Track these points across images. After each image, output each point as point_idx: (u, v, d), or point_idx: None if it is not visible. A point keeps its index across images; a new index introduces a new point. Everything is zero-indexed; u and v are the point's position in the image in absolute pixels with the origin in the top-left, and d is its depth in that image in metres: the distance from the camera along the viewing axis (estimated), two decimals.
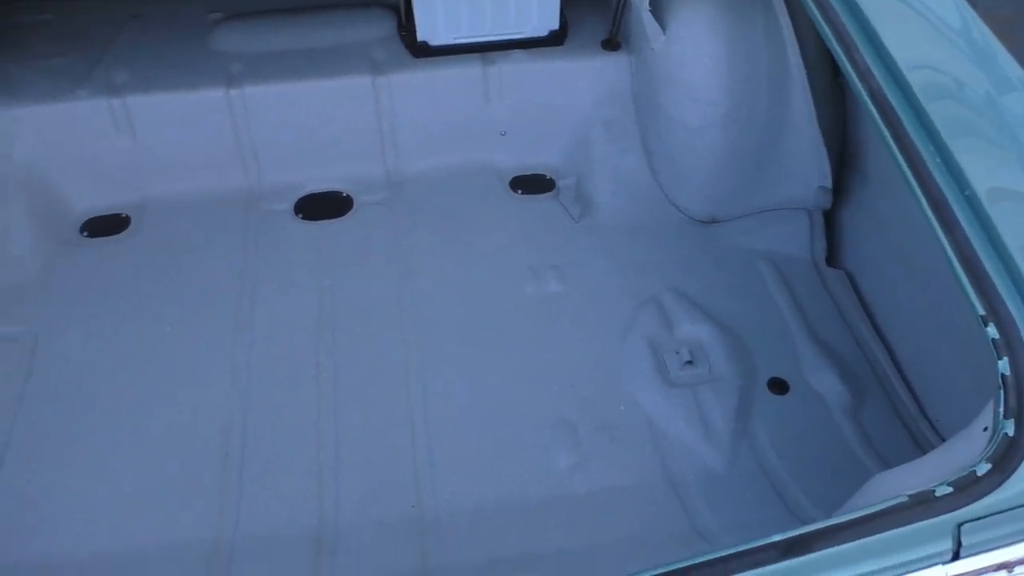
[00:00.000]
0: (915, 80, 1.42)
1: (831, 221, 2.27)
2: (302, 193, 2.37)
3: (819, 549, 1.05)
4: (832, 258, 2.25)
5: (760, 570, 1.03)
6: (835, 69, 2.10)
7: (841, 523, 1.06)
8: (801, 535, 1.05)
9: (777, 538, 1.05)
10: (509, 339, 2.02)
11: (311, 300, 2.10)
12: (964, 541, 1.07)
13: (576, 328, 2.05)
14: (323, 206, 2.35)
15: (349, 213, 2.33)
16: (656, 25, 2.14)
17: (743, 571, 1.03)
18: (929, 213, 1.31)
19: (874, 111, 1.43)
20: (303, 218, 2.31)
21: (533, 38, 2.41)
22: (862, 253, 2.19)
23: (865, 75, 1.45)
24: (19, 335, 1.99)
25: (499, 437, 1.83)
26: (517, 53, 2.40)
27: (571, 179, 2.39)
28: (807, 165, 2.19)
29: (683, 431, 1.83)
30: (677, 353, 1.96)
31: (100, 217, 2.29)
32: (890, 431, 1.85)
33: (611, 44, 2.43)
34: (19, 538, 1.65)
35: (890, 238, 2.04)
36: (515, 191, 2.40)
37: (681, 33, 2.13)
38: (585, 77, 2.41)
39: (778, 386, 1.93)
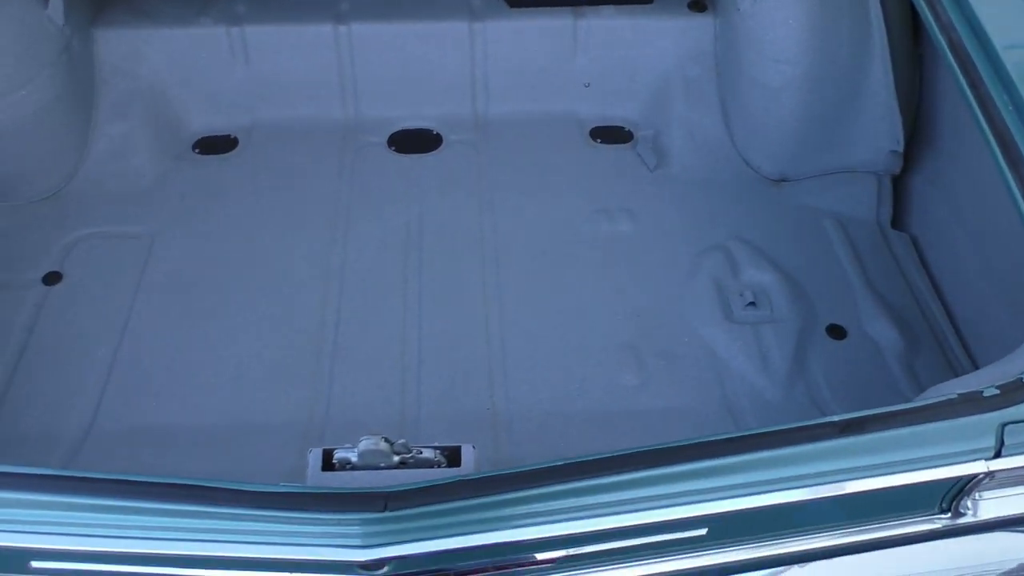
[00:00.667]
0: (996, 36, 1.51)
1: (899, 186, 2.35)
2: (396, 128, 2.53)
3: (872, 431, 1.16)
4: (897, 222, 2.33)
5: (818, 444, 1.15)
6: (915, 37, 2.18)
7: (895, 411, 1.18)
8: (857, 417, 1.17)
9: (836, 418, 1.17)
10: (580, 269, 2.16)
11: (400, 224, 2.26)
12: (1007, 440, 1.17)
13: (644, 265, 2.17)
14: (414, 142, 2.50)
15: (438, 149, 2.48)
16: None
17: (803, 443, 1.15)
18: (1004, 166, 1.40)
19: (953, 63, 1.52)
20: (396, 151, 2.47)
21: None
22: (928, 219, 2.27)
23: (947, 28, 1.55)
24: (138, 234, 2.19)
25: (568, 353, 1.97)
26: (607, 9, 2.52)
27: (649, 131, 2.51)
28: (880, 129, 2.28)
29: (742, 363, 1.95)
30: (740, 295, 2.07)
31: (211, 136, 2.48)
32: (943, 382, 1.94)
33: (698, 6, 2.53)
34: (133, 408, 1.84)
35: (958, 207, 2.12)
36: (594, 140, 2.53)
37: None
38: (670, 36, 2.53)
39: (836, 331, 2.03)
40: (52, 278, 2.07)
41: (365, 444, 1.13)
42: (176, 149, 2.44)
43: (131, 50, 2.40)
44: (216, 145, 2.47)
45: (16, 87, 2.14)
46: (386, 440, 1.14)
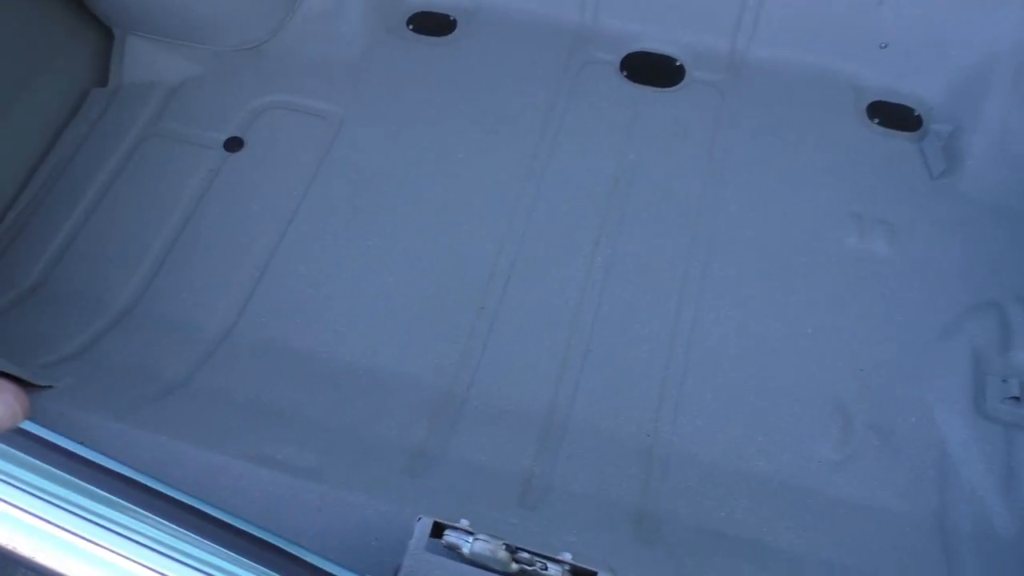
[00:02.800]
0: None
1: None
2: (633, 48, 2.14)
3: None
4: None
5: None
6: None
7: None
8: None
9: None
10: (807, 290, 1.76)
11: (608, 170, 1.93)
12: None
13: (889, 305, 1.74)
14: (651, 69, 2.11)
15: (676, 86, 2.08)
16: None
17: None
18: None
19: None
20: (627, 76, 2.09)
21: None
22: None
23: None
24: (328, 113, 2.00)
25: (761, 396, 1.63)
26: None
27: (945, 125, 1.97)
28: None
29: (978, 474, 1.54)
30: (1004, 381, 1.62)
31: (429, 13, 2.20)
32: None
33: None
34: (275, 319, 1.70)
35: None
36: (871, 118, 2.03)
37: None
38: (1015, 9, 1.92)
39: None
40: (233, 144, 1.94)
41: (482, 545, 0.90)
42: (390, 20, 2.18)
43: None
44: (432, 24, 2.18)
45: None
46: (507, 548, 0.91)
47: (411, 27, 2.18)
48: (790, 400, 1.62)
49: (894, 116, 2.03)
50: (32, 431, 0.86)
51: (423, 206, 1.86)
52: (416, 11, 2.20)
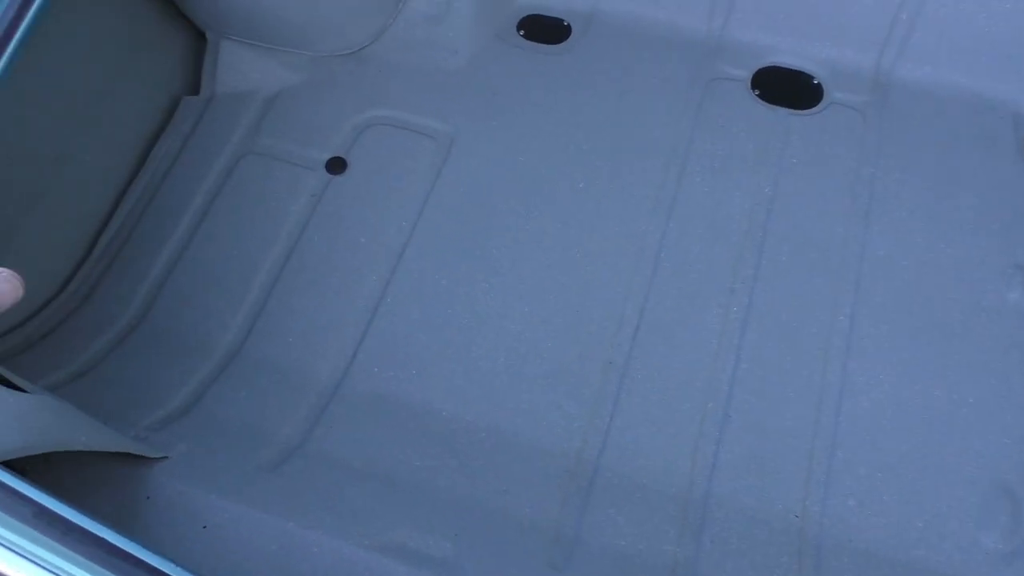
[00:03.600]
0: None
1: None
2: (765, 62, 1.94)
3: None
4: None
5: None
6: None
7: None
8: None
9: None
10: (966, 351, 1.60)
11: (743, 204, 1.76)
12: None
13: None
14: (785, 87, 1.92)
15: (814, 109, 1.89)
16: None
17: None
18: None
19: None
20: (759, 96, 1.91)
21: None
22: None
23: None
24: (436, 131, 1.84)
25: (920, 475, 1.48)
26: None
27: None
28: None
29: None
30: None
31: (541, 16, 2.02)
32: None
33: None
34: (387, 368, 1.56)
35: None
36: None
37: None
38: None
39: None
40: (336, 165, 1.80)
41: None
42: (498, 24, 2.01)
43: None
44: (544, 29, 2.00)
45: None
46: None
47: (522, 33, 2.01)
48: (951, 480, 1.48)
49: None
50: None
51: (543, 241, 1.71)
52: (526, 13, 2.02)
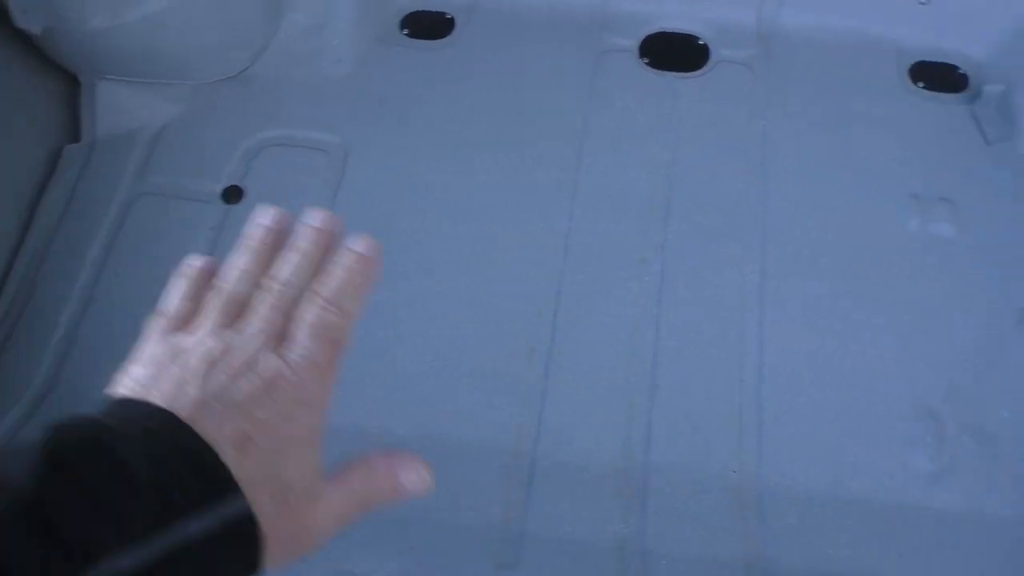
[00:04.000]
0: None
1: None
2: (652, 29, 1.96)
3: None
4: None
5: None
6: None
7: None
8: None
9: None
10: (874, 284, 1.64)
11: (643, 174, 1.77)
12: None
13: (963, 291, 1.63)
14: (673, 52, 1.93)
15: (702, 69, 1.91)
16: None
17: None
18: None
19: None
20: (648, 64, 1.92)
21: None
22: None
23: None
24: (329, 144, 1.81)
25: (845, 410, 1.52)
26: None
27: (997, 85, 1.83)
28: None
29: None
30: None
31: (423, 12, 2.00)
32: None
33: None
34: None
35: None
36: (915, 83, 1.88)
37: None
38: None
39: None
40: (233, 194, 1.76)
41: None
42: (381, 26, 1.98)
43: None
44: (428, 25, 1.98)
45: None
46: None
47: (405, 31, 1.98)
48: (877, 411, 1.52)
49: (939, 77, 1.89)
50: None
51: (451, 240, 1.70)
52: (409, 11, 2.00)
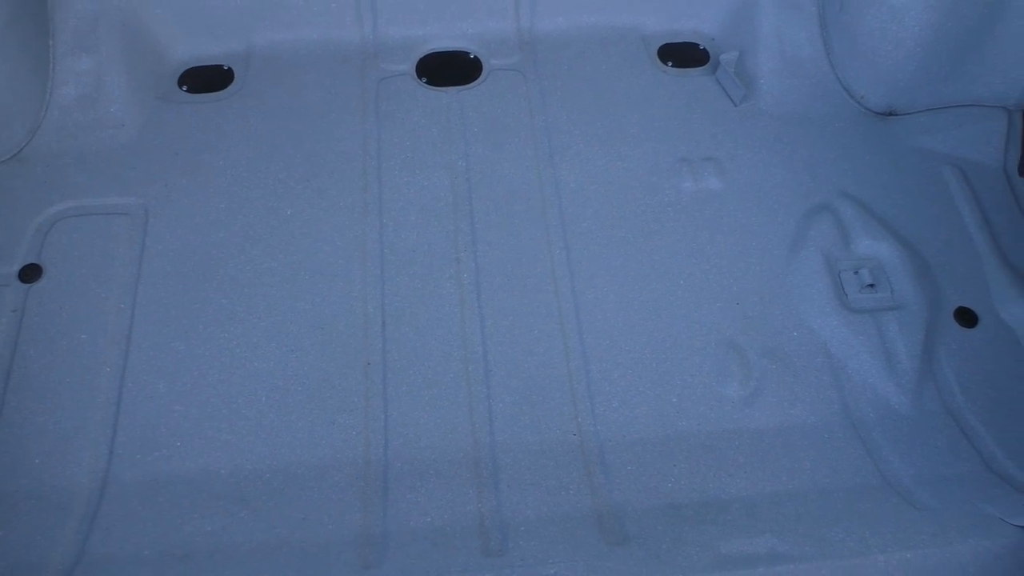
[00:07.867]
0: None
1: None
2: (424, 51, 2.08)
3: None
4: None
5: None
6: None
7: None
8: None
9: None
10: (665, 243, 1.82)
11: (443, 182, 1.88)
12: None
13: (739, 234, 1.84)
14: (448, 69, 2.06)
15: (478, 80, 2.05)
16: None
17: None
18: None
19: None
20: (427, 83, 2.04)
21: None
22: None
23: None
24: (127, 207, 1.80)
25: (661, 359, 1.67)
26: None
27: (733, 54, 2.08)
28: (1019, 57, 1.89)
29: (864, 364, 1.67)
30: (856, 273, 1.76)
31: (199, 68, 2.02)
32: None
33: None
34: (152, 450, 1.52)
35: None
36: (664, 63, 2.10)
37: None
38: None
39: (966, 316, 1.75)
40: (30, 273, 1.70)
41: None
42: (159, 86, 1.99)
43: None
44: (207, 80, 2.01)
45: None
46: None
47: (185, 88, 2.00)
48: (687, 353, 1.68)
49: (683, 55, 2.12)
50: None
51: (268, 276, 1.73)
52: (185, 68, 2.02)
